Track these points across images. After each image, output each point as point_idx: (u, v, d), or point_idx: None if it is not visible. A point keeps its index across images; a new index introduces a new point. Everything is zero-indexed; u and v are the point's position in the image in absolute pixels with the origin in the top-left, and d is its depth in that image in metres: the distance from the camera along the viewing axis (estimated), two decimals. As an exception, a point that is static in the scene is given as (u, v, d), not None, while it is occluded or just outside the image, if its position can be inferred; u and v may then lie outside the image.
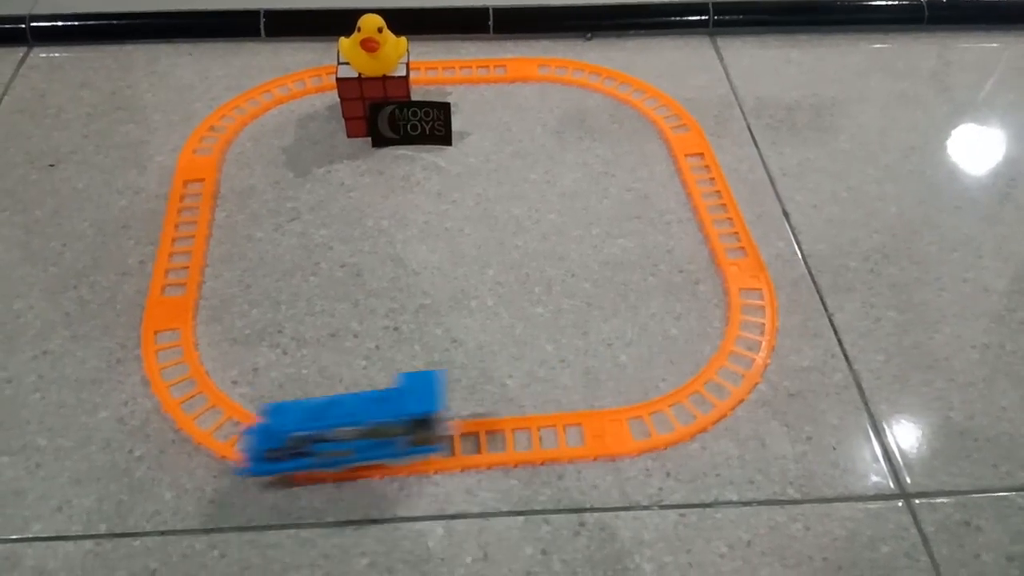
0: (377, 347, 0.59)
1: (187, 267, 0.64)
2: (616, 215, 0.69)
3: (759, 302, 0.63)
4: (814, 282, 0.65)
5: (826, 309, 0.63)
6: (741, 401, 0.57)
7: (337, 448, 0.49)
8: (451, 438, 0.53)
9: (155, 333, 0.60)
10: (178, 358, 0.58)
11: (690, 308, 0.62)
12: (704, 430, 0.55)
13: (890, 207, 0.71)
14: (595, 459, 0.53)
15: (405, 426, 0.49)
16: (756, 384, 0.58)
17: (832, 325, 0.62)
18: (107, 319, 0.60)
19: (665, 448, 0.54)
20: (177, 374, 0.57)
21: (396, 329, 0.60)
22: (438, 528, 0.50)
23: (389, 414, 0.49)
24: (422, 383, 0.50)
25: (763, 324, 0.61)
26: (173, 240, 0.66)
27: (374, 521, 0.50)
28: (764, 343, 0.60)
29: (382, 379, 0.57)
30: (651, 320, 0.62)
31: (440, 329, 0.60)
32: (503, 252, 0.66)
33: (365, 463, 0.51)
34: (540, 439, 0.54)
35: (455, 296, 0.63)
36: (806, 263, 0.66)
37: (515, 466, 0.53)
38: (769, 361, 0.59)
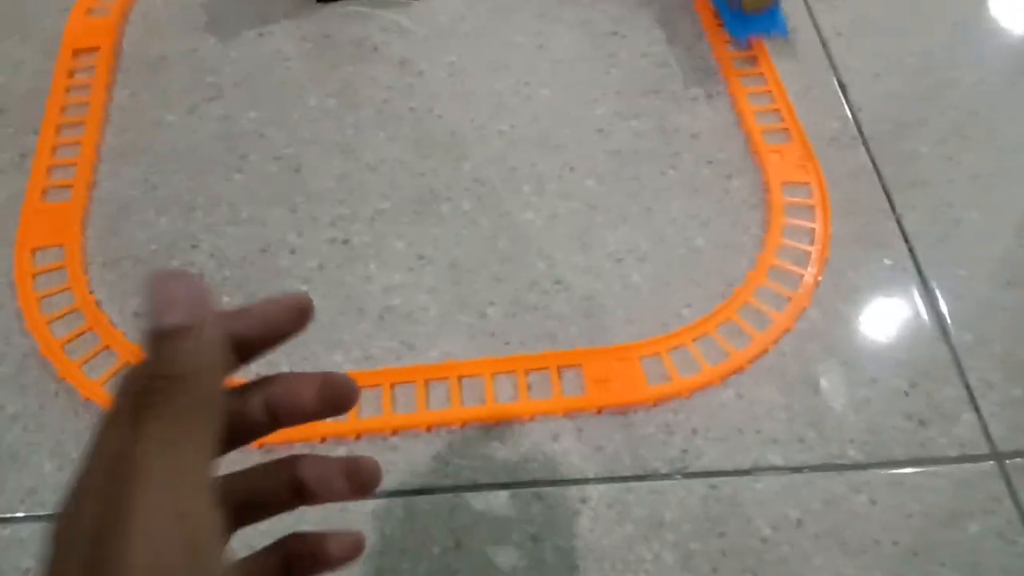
0: (321, 266, 0.46)
1: (75, 163, 0.50)
2: (627, 89, 0.54)
3: (808, 200, 0.49)
4: (878, 173, 0.51)
5: (893, 209, 0.49)
6: (786, 332, 0.44)
7: None
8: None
9: (32, 251, 0.46)
10: (62, 284, 0.45)
11: (720, 210, 0.49)
12: (739, 371, 0.43)
13: (967, 77, 0.56)
14: (599, 412, 0.42)
15: None
16: (804, 309, 0.45)
17: (901, 230, 0.49)
18: (-27, 233, 0.47)
19: (690, 395, 0.42)
20: (60, 305, 0.44)
21: (345, 242, 0.47)
22: (398, 510, 0.39)
23: None
24: None
25: (813, 229, 0.48)
26: (58, 128, 0.51)
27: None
28: (814, 255, 0.47)
29: (326, 308, 0.45)
30: (670, 227, 0.48)
31: (402, 242, 0.47)
32: (483, 140, 0.51)
33: None
34: (528, 387, 0.42)
35: (421, 198, 0.49)
36: (867, 149, 0.52)
37: (496, 423, 0.41)
38: (821, 278, 0.46)
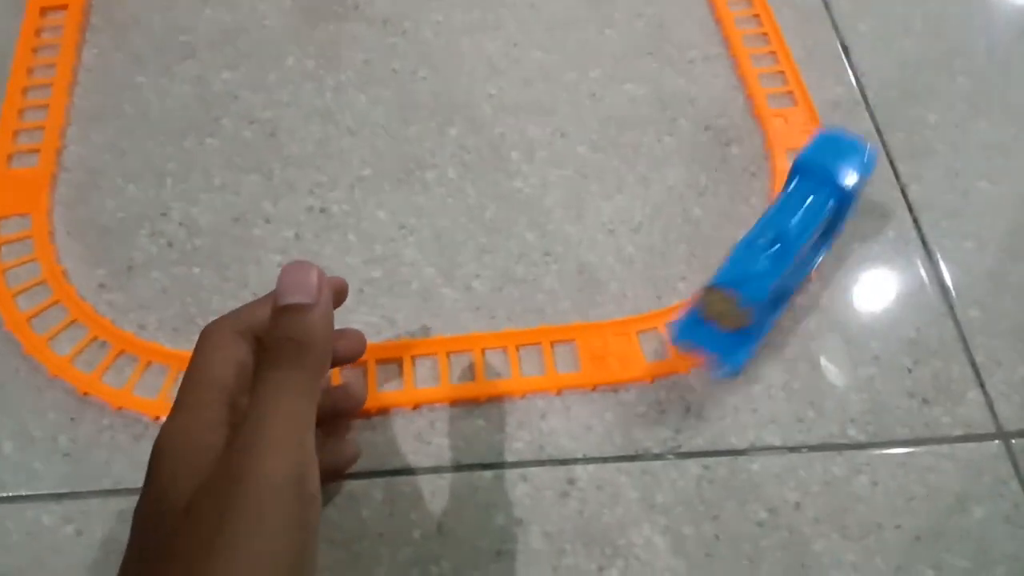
0: (297, 236, 0.44)
1: (42, 127, 0.47)
2: (622, 51, 0.52)
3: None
4: (882, 141, 0.49)
5: (898, 179, 0.47)
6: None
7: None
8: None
9: (-6, 221, 0.44)
10: (27, 255, 0.43)
11: (719, 179, 0.47)
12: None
13: (978, 43, 0.53)
14: (593, 389, 0.40)
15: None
16: (806, 283, 0.43)
17: (906, 200, 0.46)
18: (-69, 200, 0.44)
19: (686, 372, 0.40)
20: (25, 277, 0.42)
21: (323, 211, 0.45)
22: (377, 492, 0.37)
23: (827, 195, 0.40)
24: (836, 146, 0.42)
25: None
26: (24, 90, 0.49)
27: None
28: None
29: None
30: (667, 196, 0.46)
31: (384, 211, 0.45)
32: (470, 104, 0.49)
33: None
34: (519, 362, 0.40)
35: (405, 165, 0.46)
36: (872, 115, 0.50)
37: (484, 401, 0.39)
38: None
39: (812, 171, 0.40)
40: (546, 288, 0.42)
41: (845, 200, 0.40)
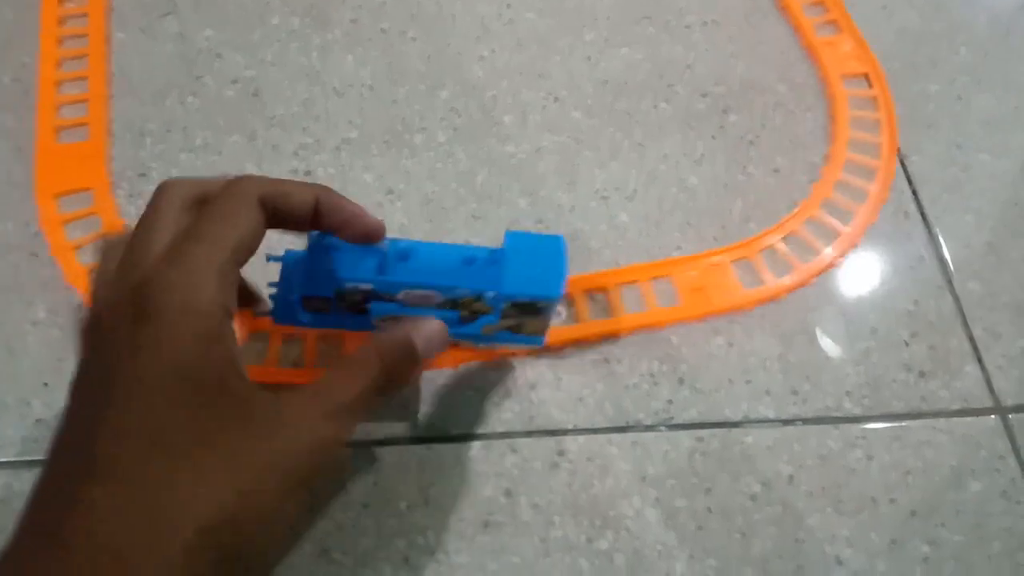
0: (282, 199, 0.42)
1: (86, 99, 0.45)
2: (618, 16, 0.50)
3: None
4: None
5: (898, 151, 0.46)
6: (803, 284, 0.41)
7: (398, 312, 0.32)
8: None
9: (55, 197, 0.42)
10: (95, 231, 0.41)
11: (716, 147, 0.45)
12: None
13: (981, 16, 0.52)
14: (701, 320, 0.39)
15: (503, 307, 0.32)
16: (835, 263, 0.42)
17: (906, 173, 0.45)
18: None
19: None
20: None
21: (308, 173, 0.43)
22: (362, 462, 0.36)
23: (483, 284, 0.31)
24: (539, 251, 0.32)
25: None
26: (57, 62, 0.47)
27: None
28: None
29: (285, 243, 0.41)
30: (663, 164, 0.45)
31: (371, 175, 0.43)
32: (461, 66, 0.47)
33: None
34: (621, 299, 0.39)
35: (392, 128, 0.45)
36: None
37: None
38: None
39: (508, 263, 0.32)
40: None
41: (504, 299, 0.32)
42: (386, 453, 0.36)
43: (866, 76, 0.49)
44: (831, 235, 0.43)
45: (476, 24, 0.49)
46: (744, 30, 0.50)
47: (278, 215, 0.27)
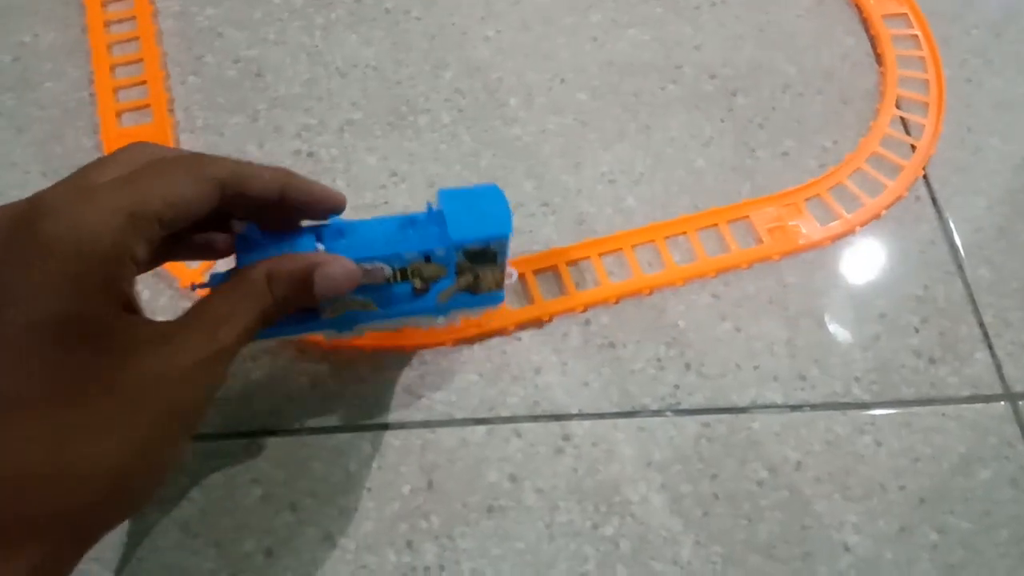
0: (284, 181, 0.42)
1: (144, 81, 0.44)
2: (625, -4, 0.49)
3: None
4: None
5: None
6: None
7: (351, 298, 0.31)
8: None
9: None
10: None
11: (725, 129, 0.45)
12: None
13: (992, -7, 0.51)
14: (779, 259, 0.38)
15: (455, 261, 0.31)
16: (819, 240, 0.42)
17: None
18: None
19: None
20: None
21: (311, 155, 0.43)
22: (365, 446, 0.35)
23: (429, 242, 0.30)
24: (477, 199, 0.31)
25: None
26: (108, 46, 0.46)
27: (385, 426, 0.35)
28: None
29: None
30: (669, 146, 0.44)
31: (374, 156, 0.43)
32: (466, 46, 0.47)
33: (392, 321, 0.32)
34: (702, 244, 0.39)
35: (396, 109, 0.44)
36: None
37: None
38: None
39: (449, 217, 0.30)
40: (543, 239, 0.41)
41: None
42: (390, 437, 0.35)
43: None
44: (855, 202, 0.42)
45: (481, 3, 0.48)
46: (752, 11, 0.49)
47: (241, 198, 0.26)
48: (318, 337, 0.36)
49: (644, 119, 0.45)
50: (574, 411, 0.37)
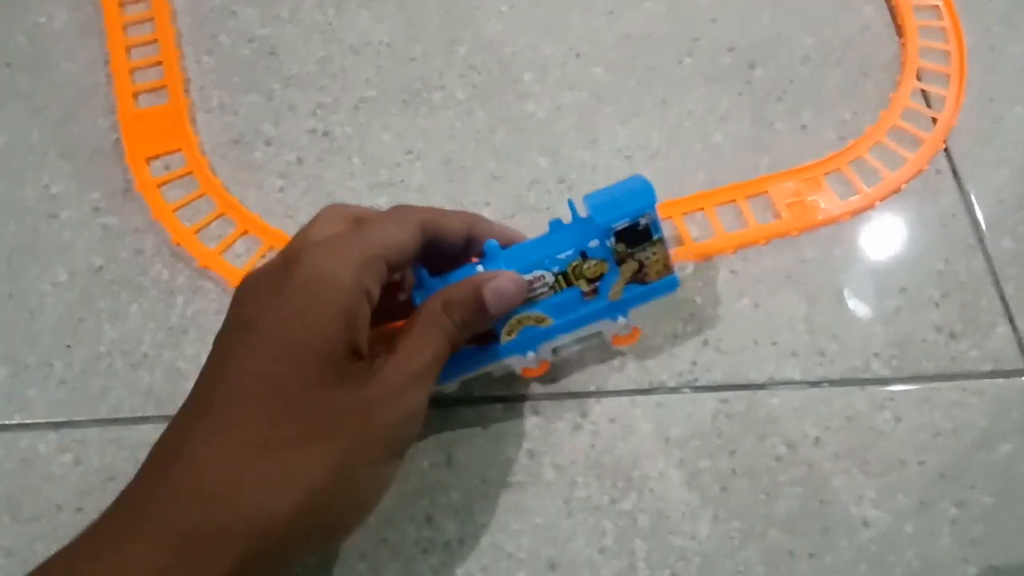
0: (299, 160, 0.42)
1: (159, 61, 0.44)
2: (640, -32, 0.49)
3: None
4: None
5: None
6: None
7: (524, 314, 0.31)
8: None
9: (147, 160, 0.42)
10: (195, 190, 0.41)
11: (742, 103, 0.44)
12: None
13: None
14: (798, 235, 0.38)
15: (611, 251, 0.31)
16: (838, 215, 0.41)
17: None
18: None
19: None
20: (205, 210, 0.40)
21: (326, 134, 0.43)
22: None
23: (580, 235, 0.31)
24: (619, 188, 0.31)
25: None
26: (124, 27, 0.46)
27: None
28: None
29: (304, 205, 0.41)
30: (686, 121, 0.44)
31: (389, 134, 0.43)
32: (480, 21, 0.46)
33: (570, 336, 0.33)
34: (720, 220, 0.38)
35: (410, 86, 0.44)
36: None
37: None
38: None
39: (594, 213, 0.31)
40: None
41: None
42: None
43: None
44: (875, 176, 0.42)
45: (494, -22, 0.48)
46: (771, -19, 0.48)
47: (436, 239, 0.30)
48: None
49: (660, 93, 0.44)
50: (592, 388, 0.37)
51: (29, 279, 0.39)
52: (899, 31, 0.47)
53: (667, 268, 0.32)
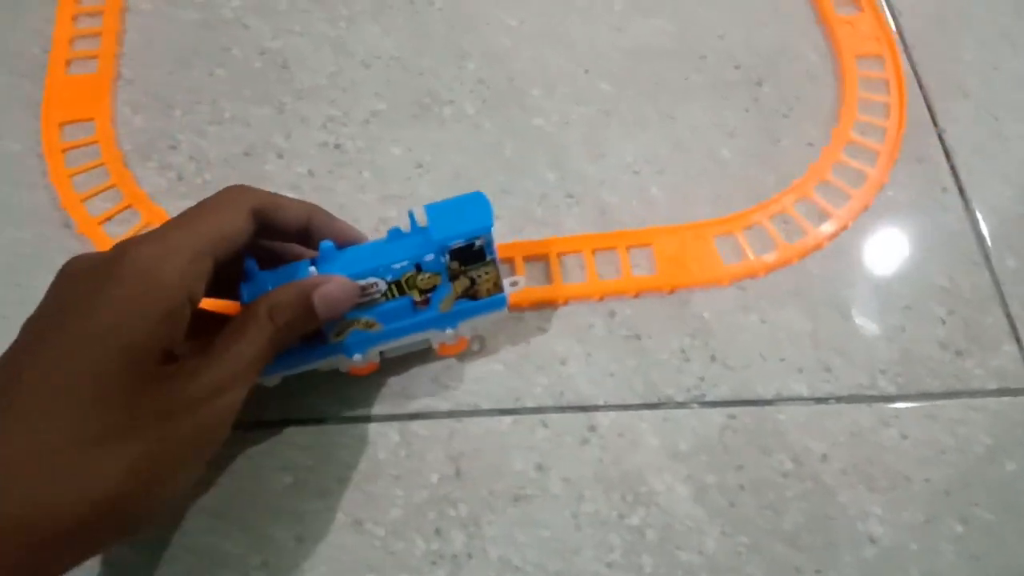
0: (310, 172, 0.42)
1: (99, 33, 0.46)
2: (648, -16, 0.49)
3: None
4: (919, 83, 0.47)
5: (935, 123, 0.45)
6: (815, 249, 0.41)
7: (354, 318, 0.32)
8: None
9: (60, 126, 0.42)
10: (96, 159, 0.41)
11: (749, 119, 0.45)
12: (752, 275, 0.40)
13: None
14: (671, 292, 0.38)
15: (445, 266, 0.32)
16: (841, 230, 0.41)
17: (942, 143, 0.45)
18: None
19: (763, 276, 0.39)
20: (96, 182, 0.41)
21: (337, 147, 0.43)
22: (393, 434, 0.36)
23: (417, 251, 0.31)
24: (460, 205, 0.32)
25: (868, 147, 0.44)
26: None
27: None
28: (860, 171, 0.43)
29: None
30: (693, 136, 0.44)
31: (399, 147, 0.43)
32: (488, 36, 0.47)
33: (398, 342, 0.34)
34: (596, 265, 0.39)
35: (420, 100, 0.45)
36: (908, 56, 0.47)
37: (562, 302, 0.38)
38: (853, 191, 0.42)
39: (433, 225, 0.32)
40: (567, 229, 0.41)
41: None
42: (417, 426, 0.36)
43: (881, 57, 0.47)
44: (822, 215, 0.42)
45: (504, -7, 0.48)
46: (778, -2, 0.49)
47: (270, 227, 0.29)
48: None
49: (667, 109, 0.45)
50: (599, 402, 0.37)
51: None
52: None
53: (497, 287, 0.34)
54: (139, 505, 0.25)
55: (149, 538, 0.33)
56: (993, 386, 0.38)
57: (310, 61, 0.45)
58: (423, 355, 0.37)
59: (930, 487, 0.35)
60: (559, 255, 0.40)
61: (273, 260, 0.32)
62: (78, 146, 0.42)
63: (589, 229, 0.41)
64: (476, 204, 0.32)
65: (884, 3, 0.49)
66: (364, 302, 0.32)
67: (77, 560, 0.25)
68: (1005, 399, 0.37)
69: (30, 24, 0.46)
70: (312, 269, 0.31)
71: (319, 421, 0.36)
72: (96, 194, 0.41)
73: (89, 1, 0.47)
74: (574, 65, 0.46)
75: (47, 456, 0.23)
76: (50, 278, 0.27)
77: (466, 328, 0.35)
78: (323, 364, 0.33)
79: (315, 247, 0.31)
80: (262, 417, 0.36)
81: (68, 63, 0.44)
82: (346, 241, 0.32)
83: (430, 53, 0.46)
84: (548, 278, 0.39)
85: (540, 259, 0.40)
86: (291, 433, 0.36)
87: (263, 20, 0.47)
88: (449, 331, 0.34)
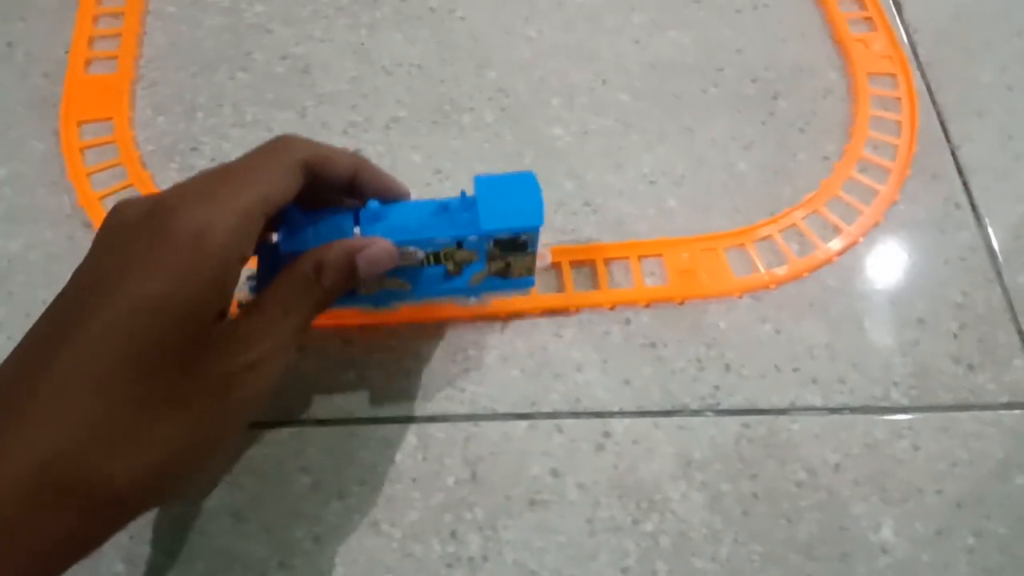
0: (331, 176, 0.43)
1: (119, 33, 0.46)
2: (666, -2, 0.50)
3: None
4: (933, 101, 0.47)
5: (948, 140, 0.46)
6: (828, 262, 0.41)
7: (388, 278, 0.32)
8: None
9: (79, 124, 0.43)
10: (113, 158, 0.42)
11: (766, 132, 0.45)
12: (765, 288, 0.40)
13: (1034, -1, 0.51)
14: (681, 303, 0.39)
15: (487, 248, 0.32)
16: (854, 244, 0.42)
17: (956, 162, 0.45)
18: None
19: (773, 288, 0.39)
20: (112, 181, 0.41)
21: (358, 152, 0.43)
22: (411, 437, 0.36)
23: (461, 229, 0.31)
24: (511, 187, 0.31)
25: (880, 164, 0.44)
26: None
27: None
28: (870, 187, 0.44)
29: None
30: (711, 149, 0.44)
31: (419, 154, 0.44)
32: (510, 47, 0.47)
33: (424, 301, 0.34)
34: (609, 275, 0.39)
35: (440, 108, 0.45)
36: (923, 74, 0.48)
37: (575, 311, 0.38)
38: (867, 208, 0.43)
39: (483, 205, 0.31)
40: (584, 238, 0.41)
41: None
42: (434, 430, 0.36)
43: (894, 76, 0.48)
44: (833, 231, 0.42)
45: (524, 3, 0.49)
46: (794, 14, 0.49)
47: (319, 179, 0.29)
48: (358, 317, 0.37)
49: (686, 121, 0.45)
50: (615, 409, 0.37)
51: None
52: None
53: (530, 271, 0.34)
54: (189, 469, 0.25)
55: (171, 538, 0.34)
56: (1005, 400, 0.38)
57: (332, 67, 0.46)
58: (443, 356, 0.37)
59: (943, 499, 0.36)
60: (571, 263, 0.40)
61: (310, 198, 0.30)
62: (96, 145, 0.42)
63: (606, 238, 0.41)
64: (527, 192, 0.31)
65: (899, 22, 0.50)
66: (401, 266, 0.32)
67: (123, 524, 0.25)
68: (1017, 412, 0.38)
69: (51, 25, 0.46)
70: (356, 230, 0.30)
71: (339, 422, 0.36)
72: (113, 193, 0.41)
73: (110, 2, 0.47)
74: (593, 76, 0.46)
75: (105, 421, 0.23)
76: (67, 276, 0.27)
77: (488, 299, 0.35)
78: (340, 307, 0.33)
79: (359, 198, 0.31)
80: (284, 418, 0.36)
81: (88, 63, 0.45)
82: (393, 197, 0.32)
83: (451, 62, 0.46)
84: (560, 286, 0.40)
85: (554, 267, 0.40)
86: (311, 434, 0.36)
87: (286, 26, 0.47)
88: (472, 300, 0.35)
